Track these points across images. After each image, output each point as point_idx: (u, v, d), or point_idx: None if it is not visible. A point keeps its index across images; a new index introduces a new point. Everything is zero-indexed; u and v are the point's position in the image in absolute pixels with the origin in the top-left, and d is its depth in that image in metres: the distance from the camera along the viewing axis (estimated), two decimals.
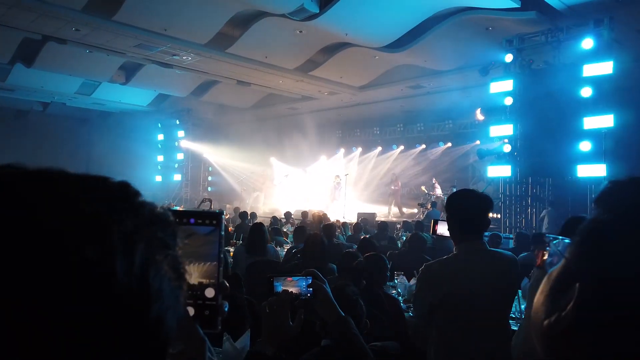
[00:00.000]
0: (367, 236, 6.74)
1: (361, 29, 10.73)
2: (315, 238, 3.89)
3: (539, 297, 0.60)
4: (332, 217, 11.87)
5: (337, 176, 16.23)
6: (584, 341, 0.53)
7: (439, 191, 14.91)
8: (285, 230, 9.20)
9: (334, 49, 12.29)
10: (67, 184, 0.39)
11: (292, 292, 1.52)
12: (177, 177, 19.99)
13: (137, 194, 0.43)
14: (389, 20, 10.29)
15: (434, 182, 15.28)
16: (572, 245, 0.57)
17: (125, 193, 0.42)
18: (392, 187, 15.88)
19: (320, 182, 17.19)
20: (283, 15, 10.27)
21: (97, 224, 0.37)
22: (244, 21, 11.09)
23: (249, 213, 10.19)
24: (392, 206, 15.95)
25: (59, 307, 0.34)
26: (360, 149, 18.45)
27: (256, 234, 5.34)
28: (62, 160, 19.99)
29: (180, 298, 0.43)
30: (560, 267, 0.59)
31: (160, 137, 20.61)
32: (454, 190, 14.17)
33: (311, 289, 1.51)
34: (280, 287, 1.56)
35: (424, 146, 17.20)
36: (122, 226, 0.38)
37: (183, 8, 9.95)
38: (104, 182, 0.42)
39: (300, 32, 11.03)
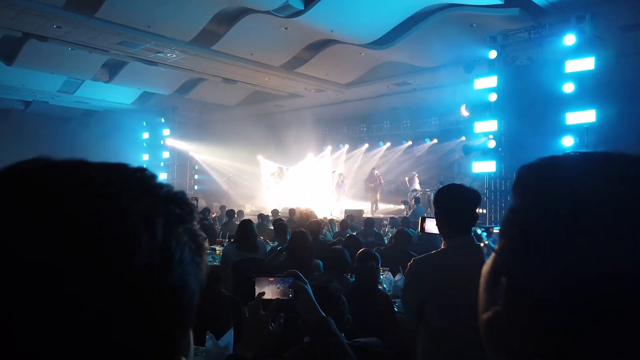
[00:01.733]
0: (354, 233, 6.75)
1: (346, 25, 10.73)
2: (300, 235, 3.88)
3: (480, 292, 0.58)
4: (327, 215, 11.87)
5: (341, 174, 16.24)
6: (515, 336, 0.51)
7: (417, 185, 15.04)
8: (271, 227, 9.18)
9: (320, 46, 12.28)
10: (88, 171, 0.44)
11: (273, 293, 1.52)
12: (163, 175, 19.79)
13: (153, 176, 0.48)
14: (374, 17, 10.30)
15: (414, 174, 15.41)
16: (498, 237, 0.55)
17: (142, 176, 0.47)
18: (370, 184, 15.77)
19: (319, 179, 17.14)
20: (268, 12, 10.22)
21: (118, 204, 0.41)
22: (229, 18, 11.01)
23: (235, 211, 10.13)
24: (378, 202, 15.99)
25: (89, 284, 0.38)
26: (347, 146, 18.49)
27: (245, 230, 5.32)
28: None
29: (201, 265, 0.46)
30: (490, 260, 0.57)
31: (146, 135, 20.40)
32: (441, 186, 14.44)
33: (293, 289, 1.51)
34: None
35: (410, 143, 17.29)
36: (141, 204, 0.42)
37: (166, 5, 9.84)
38: (122, 168, 0.47)
39: (286, 29, 10.98)
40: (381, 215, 14.40)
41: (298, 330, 1.62)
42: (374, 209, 15.52)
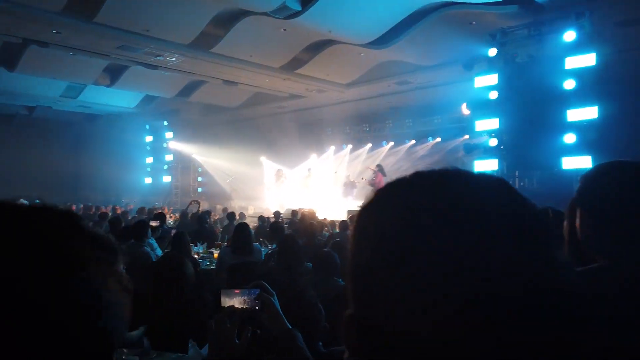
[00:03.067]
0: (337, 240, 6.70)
1: (345, 26, 10.68)
2: (288, 238, 3.85)
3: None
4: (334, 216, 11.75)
5: (348, 176, 16.14)
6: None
7: None
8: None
9: (319, 46, 12.24)
10: (19, 216, 0.47)
11: (239, 305, 1.49)
12: (167, 178, 19.90)
13: (80, 220, 0.50)
14: (372, 16, 10.25)
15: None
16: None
17: (71, 220, 0.49)
18: (368, 182, 15.48)
19: (324, 180, 17.08)
20: (266, 14, 10.20)
21: (51, 248, 0.44)
22: (227, 20, 11.00)
23: (237, 213, 10.13)
24: None
25: (18, 327, 0.40)
26: (350, 146, 18.44)
27: (240, 234, 5.31)
28: (49, 164, 19.84)
29: (126, 308, 0.49)
30: None
31: (149, 138, 20.51)
32: None
33: (259, 300, 1.48)
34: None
35: (413, 142, 17.22)
36: (72, 248, 0.45)
37: (164, 8, 9.85)
38: (51, 211, 0.49)
39: (284, 30, 10.96)
40: None
41: (265, 344, 1.59)
42: None
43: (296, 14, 10.05)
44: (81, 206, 15.74)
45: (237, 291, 1.50)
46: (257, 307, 1.46)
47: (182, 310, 2.94)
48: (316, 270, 3.51)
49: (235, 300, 1.48)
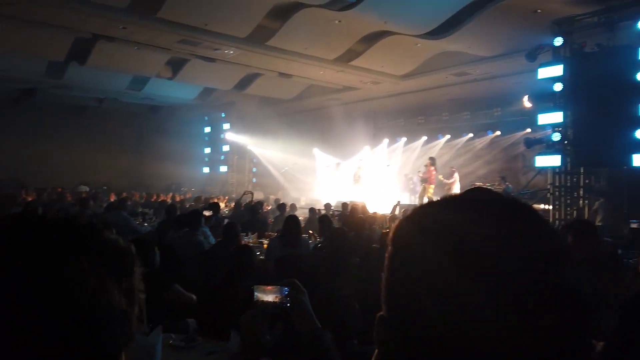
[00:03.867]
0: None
1: (400, 16, 10.46)
2: (336, 232, 3.84)
3: None
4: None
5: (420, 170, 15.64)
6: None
7: (456, 183, 14.16)
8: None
9: (374, 37, 12.08)
10: (33, 231, 0.50)
11: (271, 301, 1.51)
12: (224, 168, 20.48)
13: (99, 233, 0.53)
14: (429, 6, 9.98)
15: (452, 170, 14.52)
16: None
17: (87, 234, 0.52)
18: (446, 181, 14.96)
19: (380, 173, 16.92)
20: (320, 6, 10.18)
21: (58, 265, 0.47)
22: (282, 13, 11.09)
23: (288, 205, 10.27)
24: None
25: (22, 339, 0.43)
26: (404, 139, 18.14)
27: (289, 226, 5.39)
28: (116, 153, 21.01)
29: (131, 319, 0.51)
30: None
31: (207, 129, 21.17)
32: (505, 181, 13.54)
33: (289, 298, 1.48)
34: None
35: (471, 135, 16.68)
36: (79, 264, 0.47)
37: (222, 3, 10.09)
38: (69, 225, 0.52)
39: (339, 22, 10.90)
40: None
41: (295, 342, 1.60)
42: None
43: (351, 6, 9.96)
44: (144, 194, 16.55)
45: (269, 287, 1.52)
46: (287, 304, 1.47)
47: (231, 300, 3.02)
48: (363, 266, 3.49)
49: (267, 296, 1.50)
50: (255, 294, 1.50)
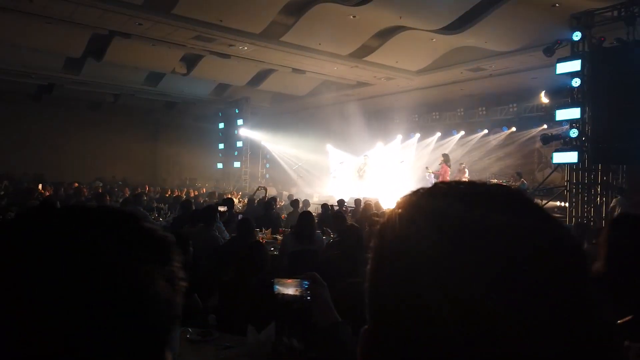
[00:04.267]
0: None
1: (416, 11, 10.38)
2: (350, 228, 3.84)
3: None
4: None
5: (427, 168, 15.51)
6: None
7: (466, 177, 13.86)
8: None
9: (389, 32, 12.01)
10: (78, 219, 0.51)
11: (291, 294, 1.52)
12: (237, 164, 20.57)
13: (137, 221, 0.53)
14: (444, 0, 9.87)
15: (462, 166, 14.23)
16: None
17: (128, 222, 0.52)
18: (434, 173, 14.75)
19: (394, 169, 16.83)
20: (335, 1, 10.15)
21: (102, 251, 0.47)
22: (297, 9, 11.09)
23: (301, 200, 10.27)
24: None
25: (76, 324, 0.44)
26: (418, 135, 18.02)
27: (304, 222, 5.39)
28: (131, 148, 21.24)
29: (175, 307, 0.51)
30: None
31: (221, 125, 21.26)
32: (520, 177, 13.37)
33: (309, 292, 1.49)
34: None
35: (486, 131, 16.51)
36: (123, 251, 0.48)
37: None
38: (111, 214, 0.53)
39: (354, 17, 10.86)
40: None
41: (314, 335, 1.60)
42: None
43: (366, 1, 9.91)
44: (158, 189, 16.71)
45: (289, 281, 1.53)
46: (307, 298, 1.47)
47: (248, 295, 3.04)
48: None
49: (287, 290, 1.51)
50: (276, 287, 1.51)
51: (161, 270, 0.51)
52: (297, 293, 1.48)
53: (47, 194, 11.82)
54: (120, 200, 10.22)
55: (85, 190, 12.23)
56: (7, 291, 0.44)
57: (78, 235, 0.49)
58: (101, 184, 16.46)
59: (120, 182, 18.08)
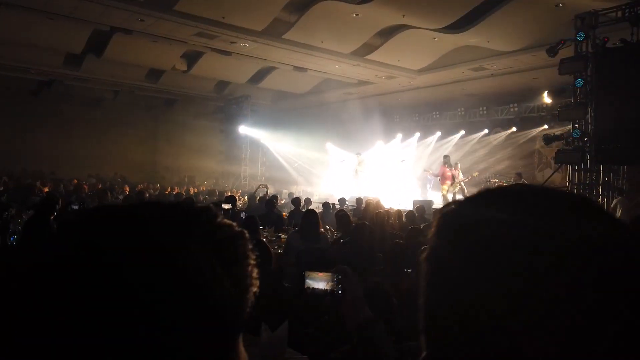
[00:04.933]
0: (421, 226, 6.56)
1: (419, 9, 10.36)
2: (364, 227, 3.82)
3: None
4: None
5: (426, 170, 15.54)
6: None
7: (460, 177, 13.91)
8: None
9: (392, 31, 11.99)
10: (154, 219, 0.50)
11: (322, 288, 1.49)
12: (237, 162, 20.52)
13: (211, 218, 0.52)
14: None
15: (456, 166, 14.22)
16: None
17: (199, 219, 0.51)
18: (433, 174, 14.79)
19: (392, 168, 16.84)
20: None
21: (173, 249, 0.47)
22: (300, 6, 11.05)
23: (302, 199, 10.25)
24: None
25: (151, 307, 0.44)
26: (418, 134, 18.02)
27: (309, 220, 5.37)
28: (130, 147, 21.15)
29: (243, 302, 0.51)
30: None
31: (221, 123, 21.19)
32: (520, 178, 13.38)
33: (341, 286, 1.47)
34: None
35: (486, 131, 16.53)
36: (194, 248, 0.48)
37: None
38: (184, 210, 0.52)
39: (357, 15, 10.83)
40: None
41: (343, 332, 1.58)
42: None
43: None
44: (157, 186, 16.66)
45: (320, 274, 1.50)
46: (339, 292, 1.45)
47: (260, 292, 3.01)
48: (387, 263, 3.46)
49: (318, 283, 1.49)
50: (307, 280, 1.49)
51: (228, 270, 0.50)
52: (329, 287, 1.46)
53: (45, 190, 11.76)
54: (121, 197, 10.19)
55: (86, 186, 12.18)
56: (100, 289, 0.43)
57: (150, 234, 0.48)
58: (94, 180, 16.36)
59: (119, 180, 17.99)
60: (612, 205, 9.87)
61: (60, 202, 5.75)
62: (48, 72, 16.19)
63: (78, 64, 15.26)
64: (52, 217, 5.19)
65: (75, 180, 14.44)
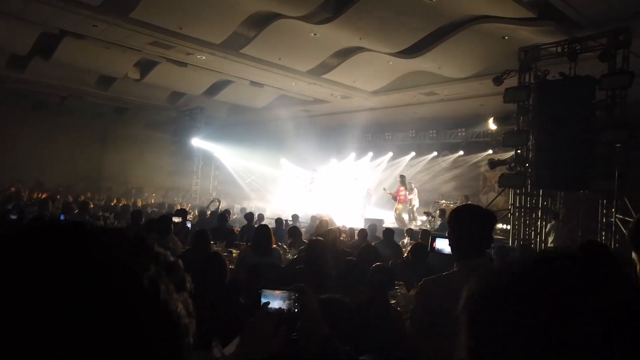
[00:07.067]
0: (373, 243, 6.68)
1: (375, 33, 10.68)
2: (318, 244, 3.85)
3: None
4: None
5: (369, 189, 16.24)
6: None
7: (415, 198, 14.80)
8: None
9: (348, 52, 12.27)
10: (106, 240, 0.51)
11: (277, 307, 1.49)
12: (189, 175, 20.11)
13: (153, 245, 0.54)
14: (404, 25, 10.23)
15: (411, 186, 15.07)
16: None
17: (146, 245, 0.53)
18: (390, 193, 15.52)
19: (342, 186, 17.10)
20: (298, 18, 10.27)
21: (131, 272, 0.48)
22: (259, 22, 11.11)
23: (255, 214, 10.18)
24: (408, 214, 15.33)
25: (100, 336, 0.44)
26: (371, 154, 18.41)
27: (262, 235, 5.34)
28: (76, 153, 20.25)
29: (190, 331, 0.51)
30: None
31: (173, 134, 20.74)
32: (467, 200, 13.98)
33: (298, 304, 1.48)
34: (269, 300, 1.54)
35: (435, 153, 17.12)
36: (148, 273, 0.49)
37: (199, 7, 10.00)
38: (131, 237, 0.53)
39: (315, 35, 11.02)
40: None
41: (301, 349, 1.59)
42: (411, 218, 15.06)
43: (328, 20, 10.10)
44: (103, 196, 16.01)
45: (277, 292, 1.50)
46: (296, 310, 1.46)
47: (211, 308, 2.96)
48: (341, 279, 3.50)
49: (275, 301, 1.49)
50: (263, 298, 1.48)
51: (178, 294, 0.52)
52: (285, 305, 1.46)
53: None
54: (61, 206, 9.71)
55: (24, 194, 11.53)
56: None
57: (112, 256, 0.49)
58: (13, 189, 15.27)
59: (60, 189, 17.13)
60: (546, 230, 10.45)
61: None
62: None
63: (23, 66, 14.54)
64: None
65: (13, 189, 13.66)
